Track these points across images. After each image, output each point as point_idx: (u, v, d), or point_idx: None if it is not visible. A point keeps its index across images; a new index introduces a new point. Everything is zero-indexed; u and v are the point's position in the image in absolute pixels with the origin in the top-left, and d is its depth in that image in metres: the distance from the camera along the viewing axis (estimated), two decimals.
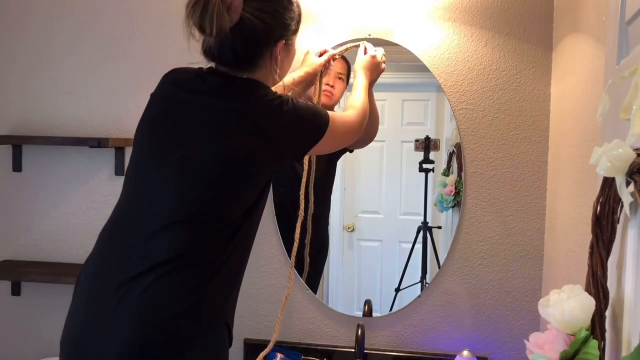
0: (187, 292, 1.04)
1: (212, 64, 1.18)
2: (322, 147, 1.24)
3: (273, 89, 1.49)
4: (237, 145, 1.09)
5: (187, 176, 1.07)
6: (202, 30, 1.05)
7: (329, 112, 1.24)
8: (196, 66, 1.18)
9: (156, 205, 1.08)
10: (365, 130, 1.43)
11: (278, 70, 1.20)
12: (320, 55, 1.55)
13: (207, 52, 1.14)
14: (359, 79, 1.46)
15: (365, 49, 1.52)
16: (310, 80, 1.53)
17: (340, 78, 1.67)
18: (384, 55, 1.52)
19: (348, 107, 1.37)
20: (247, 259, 1.19)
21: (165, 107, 1.15)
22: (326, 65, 1.55)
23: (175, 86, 1.17)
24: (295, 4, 1.21)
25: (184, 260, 1.05)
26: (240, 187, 1.10)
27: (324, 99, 1.58)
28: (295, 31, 1.23)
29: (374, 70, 1.49)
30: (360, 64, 1.49)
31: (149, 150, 1.14)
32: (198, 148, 1.08)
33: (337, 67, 1.64)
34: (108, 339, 1.02)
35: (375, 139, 1.69)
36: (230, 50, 1.11)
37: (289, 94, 1.50)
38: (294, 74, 1.52)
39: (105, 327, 1.03)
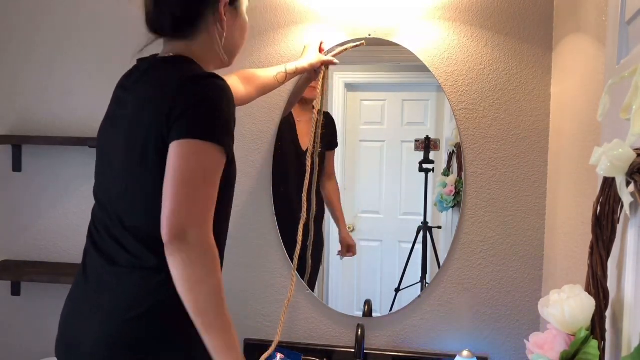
0: (147, 293, 1.00)
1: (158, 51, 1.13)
2: (182, 159, 0.95)
3: (275, 72, 1.50)
4: (158, 131, 0.97)
5: (126, 177, 1.03)
6: None
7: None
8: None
9: (110, 209, 1.06)
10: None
11: (225, 34, 1.10)
12: (320, 50, 1.56)
13: (148, 21, 1.10)
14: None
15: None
16: (310, 73, 1.57)
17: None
18: None
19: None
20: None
21: (108, 111, 1.15)
22: (326, 66, 1.56)
23: (117, 87, 1.16)
24: None
25: (143, 260, 1.01)
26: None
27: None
28: None
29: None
30: None
31: (97, 156, 1.14)
32: (129, 144, 1.02)
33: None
34: (84, 338, 1.02)
35: (376, 139, 1.70)
36: (169, 13, 1.07)
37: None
38: (296, 63, 1.53)
39: (82, 326, 1.04)
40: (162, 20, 1.08)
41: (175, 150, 0.95)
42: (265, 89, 1.52)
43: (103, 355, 1.00)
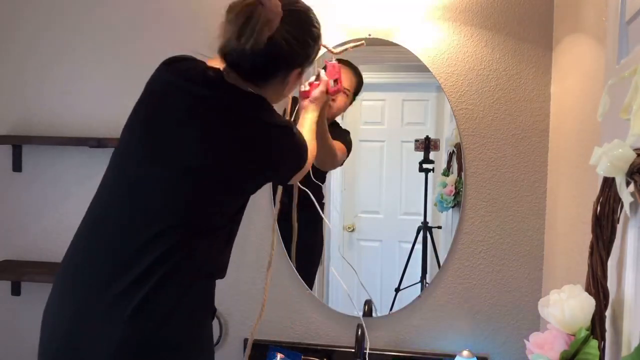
0: (174, 296, 1.05)
1: (217, 62, 1.13)
2: None
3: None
4: (237, 161, 1.11)
5: (183, 183, 1.07)
6: (238, 39, 1.04)
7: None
8: (199, 57, 1.17)
9: (146, 209, 1.06)
10: (323, 162, 1.53)
11: (284, 94, 1.24)
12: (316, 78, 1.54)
13: (225, 52, 1.10)
14: (305, 113, 1.41)
15: (319, 77, 1.45)
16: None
17: (345, 94, 1.64)
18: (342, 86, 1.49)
19: None
20: (228, 257, 1.22)
21: (167, 104, 1.11)
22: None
23: (180, 80, 1.12)
24: (320, 39, 1.21)
25: (171, 266, 1.04)
26: (228, 200, 1.14)
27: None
28: (311, 62, 1.23)
29: (320, 101, 1.42)
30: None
31: (141, 149, 1.10)
32: (199, 156, 1.08)
33: (345, 82, 1.57)
34: (99, 345, 1.01)
35: (376, 139, 1.70)
36: (250, 61, 1.09)
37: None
38: None
39: (96, 333, 1.02)
40: (243, 64, 1.11)
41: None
42: None
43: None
